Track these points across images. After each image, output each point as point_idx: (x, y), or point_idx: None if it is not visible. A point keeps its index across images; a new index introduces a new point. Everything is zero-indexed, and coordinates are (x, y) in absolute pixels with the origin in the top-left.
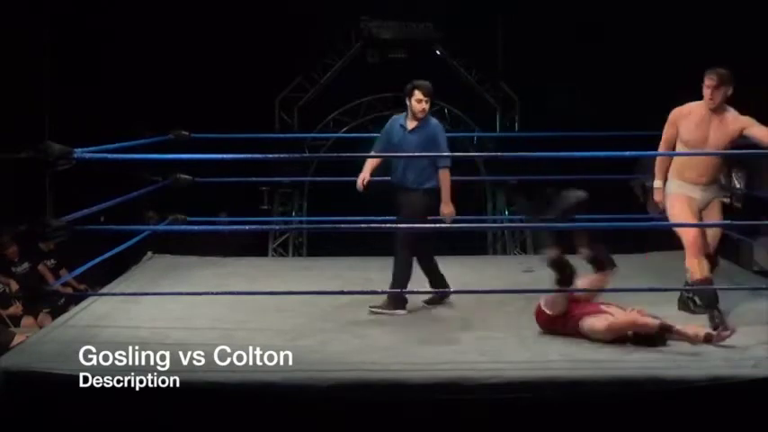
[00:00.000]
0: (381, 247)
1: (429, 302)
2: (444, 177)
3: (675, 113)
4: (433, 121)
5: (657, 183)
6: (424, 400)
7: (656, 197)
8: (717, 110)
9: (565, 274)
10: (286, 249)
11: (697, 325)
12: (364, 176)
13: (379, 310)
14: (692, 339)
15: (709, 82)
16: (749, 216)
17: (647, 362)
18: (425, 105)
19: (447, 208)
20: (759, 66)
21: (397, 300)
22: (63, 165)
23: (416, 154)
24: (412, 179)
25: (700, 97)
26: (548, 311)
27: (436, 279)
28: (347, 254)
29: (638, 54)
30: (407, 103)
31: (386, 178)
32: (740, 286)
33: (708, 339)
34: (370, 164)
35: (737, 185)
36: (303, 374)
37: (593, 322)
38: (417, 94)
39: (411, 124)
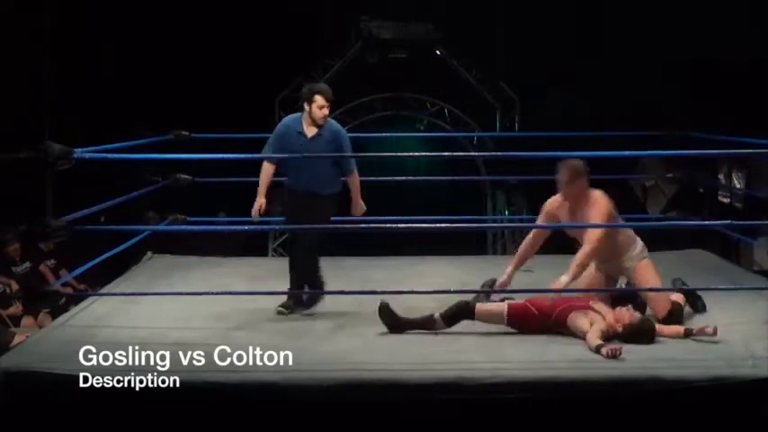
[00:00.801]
0: (382, 246)
1: (286, 306)
2: (355, 179)
3: (548, 205)
4: (334, 125)
5: (509, 269)
6: (423, 400)
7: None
8: (575, 199)
9: None
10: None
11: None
12: (261, 203)
13: (286, 311)
14: (675, 337)
15: (559, 177)
16: (749, 216)
17: (647, 362)
18: (327, 111)
19: (359, 207)
20: (754, 66)
21: (311, 299)
22: (63, 165)
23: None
24: (322, 185)
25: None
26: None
27: (316, 281)
28: (347, 254)
29: (638, 54)
30: (306, 108)
31: (390, 178)
32: (740, 286)
33: (688, 334)
34: (264, 185)
35: (737, 185)
36: (303, 374)
37: (581, 323)
38: (319, 100)
39: (311, 131)
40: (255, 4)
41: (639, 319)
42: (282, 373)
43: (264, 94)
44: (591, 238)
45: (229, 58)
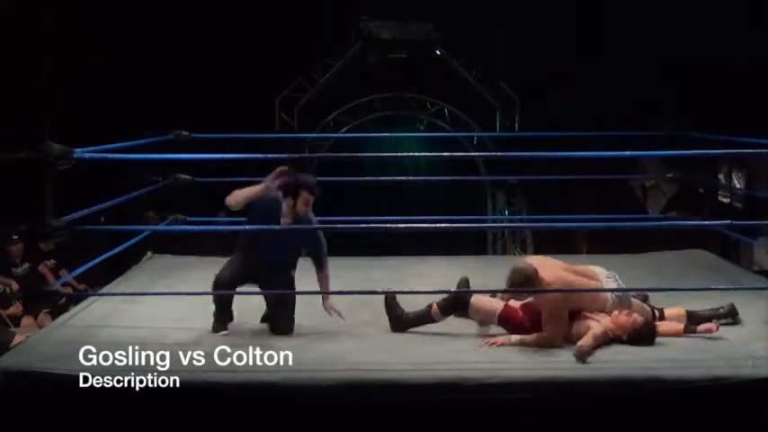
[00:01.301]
0: (382, 246)
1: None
2: (325, 274)
3: None
4: (311, 216)
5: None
6: (423, 400)
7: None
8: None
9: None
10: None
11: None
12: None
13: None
14: (674, 335)
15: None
16: (749, 216)
17: (647, 362)
18: (311, 207)
19: (328, 306)
20: (754, 66)
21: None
22: (63, 165)
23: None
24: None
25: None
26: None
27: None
28: (347, 254)
29: (638, 54)
30: (290, 200)
31: (390, 178)
32: (740, 286)
33: (688, 332)
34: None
35: (737, 185)
36: (303, 374)
37: (578, 331)
38: (306, 196)
39: (286, 220)
40: (255, 4)
41: (641, 323)
42: (282, 373)
43: (264, 94)
44: (549, 319)
45: (229, 58)
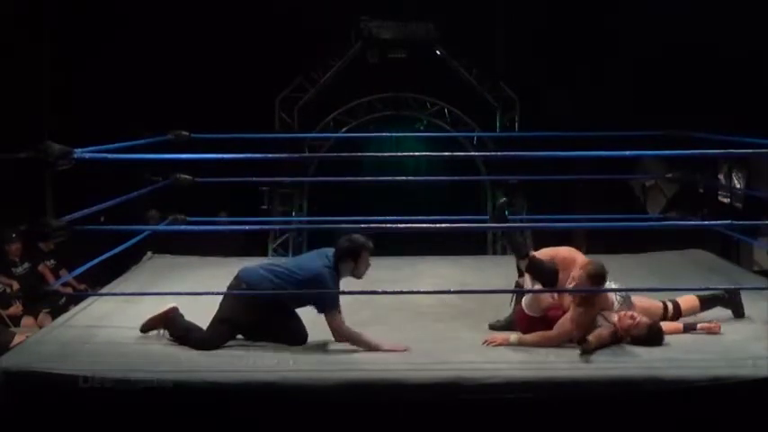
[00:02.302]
0: (382, 246)
1: None
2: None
3: (565, 254)
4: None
5: None
6: (423, 400)
7: None
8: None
9: (545, 276)
10: (286, 249)
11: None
12: None
13: None
14: (674, 333)
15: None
16: (749, 216)
17: (647, 362)
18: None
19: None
20: (754, 66)
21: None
22: (63, 165)
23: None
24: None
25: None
26: (529, 313)
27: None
28: None
29: (638, 54)
30: (350, 262)
31: (390, 178)
32: (740, 286)
33: (687, 330)
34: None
35: (737, 185)
36: (303, 374)
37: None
38: (366, 255)
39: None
40: (255, 3)
41: (644, 326)
42: (282, 373)
43: (264, 94)
44: (574, 318)
45: (229, 58)
